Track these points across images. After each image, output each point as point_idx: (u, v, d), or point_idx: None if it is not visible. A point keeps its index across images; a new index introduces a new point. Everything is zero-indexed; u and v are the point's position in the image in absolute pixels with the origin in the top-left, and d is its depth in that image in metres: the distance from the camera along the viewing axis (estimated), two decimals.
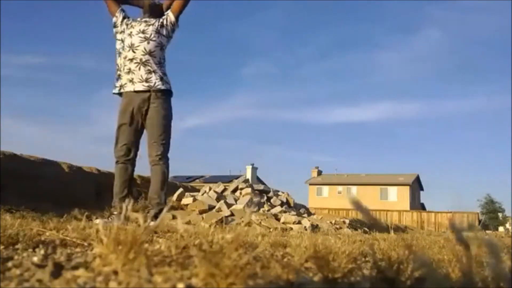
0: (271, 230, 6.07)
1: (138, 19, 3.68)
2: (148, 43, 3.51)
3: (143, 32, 3.54)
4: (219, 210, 8.09)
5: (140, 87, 3.46)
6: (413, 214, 31.77)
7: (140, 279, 0.92)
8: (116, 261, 1.01)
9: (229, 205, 8.32)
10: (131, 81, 3.48)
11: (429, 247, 2.66)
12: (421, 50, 62.43)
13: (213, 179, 22.40)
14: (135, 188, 6.92)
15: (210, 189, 9.45)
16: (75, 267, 1.06)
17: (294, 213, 9.09)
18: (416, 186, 44.35)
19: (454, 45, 62.16)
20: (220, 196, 8.98)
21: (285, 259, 1.56)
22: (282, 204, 9.65)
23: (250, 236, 2.28)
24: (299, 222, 8.01)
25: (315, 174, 46.63)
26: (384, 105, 65.26)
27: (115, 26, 3.67)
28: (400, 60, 63.30)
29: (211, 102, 69.47)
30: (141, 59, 3.48)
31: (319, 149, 70.45)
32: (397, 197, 40.80)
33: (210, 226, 5.07)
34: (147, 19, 3.64)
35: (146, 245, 1.14)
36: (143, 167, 3.55)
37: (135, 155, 3.54)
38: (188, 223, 6.80)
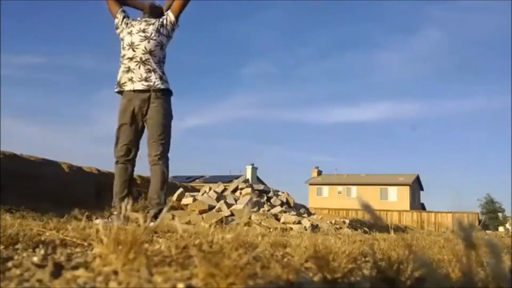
0: (271, 230, 6.08)
1: (138, 18, 3.69)
2: (149, 42, 3.51)
3: (144, 31, 3.54)
4: (219, 210, 8.09)
5: (139, 86, 3.46)
6: (413, 214, 31.78)
7: (140, 279, 0.92)
8: (116, 261, 1.01)
9: (229, 205, 8.32)
10: (131, 80, 3.48)
11: (429, 247, 2.66)
12: (421, 50, 62.47)
13: (213, 179, 22.40)
14: (135, 188, 6.92)
15: (210, 189, 9.45)
16: (75, 267, 1.06)
17: (294, 213, 9.09)
18: (416, 186, 44.35)
19: (454, 45, 62.21)
20: (220, 196, 8.98)
21: (285, 259, 1.56)
22: (282, 204, 9.65)
23: (250, 236, 2.28)
24: (299, 222, 8.01)
25: (315, 174, 46.63)
26: (384, 105, 65.31)
27: (117, 28, 3.68)
28: (400, 60, 63.34)
29: (211, 102, 69.50)
30: (141, 58, 3.48)
31: (319, 149, 70.52)
32: (397, 197, 40.80)
33: (210, 226, 5.08)
34: (147, 18, 3.64)
35: (146, 245, 1.14)
36: (143, 167, 3.56)
37: (135, 155, 3.54)
38: (188, 223, 6.80)
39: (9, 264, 1.06)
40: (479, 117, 64.59)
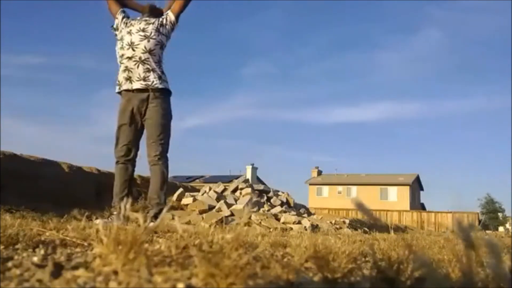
0: (271, 230, 6.08)
1: (138, 18, 3.68)
2: (148, 41, 3.51)
3: (143, 30, 3.54)
4: (219, 210, 8.09)
5: (138, 85, 3.46)
6: (413, 214, 31.78)
7: (140, 279, 0.92)
8: (116, 261, 1.01)
9: (229, 205, 8.32)
10: (129, 79, 3.48)
11: (429, 247, 2.66)
12: (421, 50, 62.49)
13: (213, 179, 22.40)
14: (135, 188, 6.92)
15: (210, 189, 9.45)
16: (75, 267, 1.06)
17: (294, 213, 9.09)
18: (416, 186, 44.35)
19: (454, 45, 62.21)
20: (220, 196, 8.98)
21: (285, 259, 1.56)
22: (282, 204, 9.65)
23: (250, 236, 2.28)
24: (299, 222, 8.01)
25: (315, 174, 46.63)
26: (384, 105, 65.31)
27: (116, 29, 3.68)
28: (400, 60, 63.36)
29: (211, 102, 69.52)
30: (140, 57, 3.47)
31: (319, 149, 70.50)
32: (397, 197, 40.80)
33: (210, 226, 5.08)
34: (147, 18, 3.64)
35: (146, 245, 1.14)
36: (144, 167, 3.55)
37: (135, 155, 3.53)
38: (188, 223, 6.81)
39: (9, 264, 1.06)
40: (479, 117, 64.65)
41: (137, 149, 3.54)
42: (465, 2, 60.69)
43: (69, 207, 5.55)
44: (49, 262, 1.08)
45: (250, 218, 7.45)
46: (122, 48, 3.53)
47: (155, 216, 3.18)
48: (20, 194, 6.83)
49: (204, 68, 67.53)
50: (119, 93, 3.58)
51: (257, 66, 65.79)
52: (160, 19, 3.61)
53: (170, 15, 3.62)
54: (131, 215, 1.14)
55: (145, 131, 3.53)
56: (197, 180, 27.80)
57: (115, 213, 3.37)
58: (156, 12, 3.70)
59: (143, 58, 3.47)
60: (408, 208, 37.07)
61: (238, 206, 8.36)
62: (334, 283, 1.11)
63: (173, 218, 6.89)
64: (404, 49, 62.90)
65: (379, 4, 62.35)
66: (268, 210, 8.75)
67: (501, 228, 33.73)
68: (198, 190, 10.42)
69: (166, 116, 3.53)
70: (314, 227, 7.72)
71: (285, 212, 8.86)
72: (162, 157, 3.46)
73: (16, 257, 1.17)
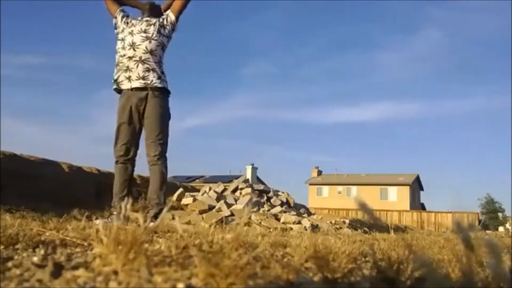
0: (271, 230, 6.08)
1: (139, 18, 3.68)
2: (150, 42, 3.51)
3: (145, 31, 3.54)
4: (219, 210, 8.09)
5: (137, 84, 3.46)
6: (413, 214, 31.78)
7: (140, 279, 0.92)
8: (116, 261, 1.01)
9: (229, 205, 8.32)
10: (129, 78, 3.48)
11: (429, 247, 2.66)
12: (421, 50, 62.46)
13: (213, 179, 22.40)
14: (135, 188, 6.92)
15: (210, 189, 9.45)
16: (75, 267, 1.06)
17: (294, 213, 9.09)
18: (416, 186, 44.35)
19: (454, 45, 62.19)
20: (220, 196, 8.98)
21: (285, 259, 1.56)
22: (282, 204, 9.65)
23: (250, 236, 2.28)
24: (299, 222, 8.01)
25: (315, 174, 46.63)
26: (384, 105, 65.30)
27: (116, 27, 3.68)
28: (400, 60, 63.33)
29: (211, 102, 69.51)
30: (140, 57, 3.48)
31: (319, 149, 70.49)
32: (397, 197, 40.79)
33: (210, 226, 5.08)
34: (148, 18, 3.64)
35: (146, 245, 1.14)
36: (144, 167, 3.55)
37: (135, 154, 3.53)
38: (188, 223, 6.81)
39: (9, 264, 1.06)
40: (479, 117, 64.64)
41: (137, 148, 3.54)
42: (465, 2, 60.72)
43: (69, 207, 5.55)
44: (49, 262, 1.08)
45: (250, 218, 7.45)
46: (123, 48, 3.53)
47: (155, 216, 3.18)
48: (20, 194, 6.83)
49: (204, 68, 67.58)
50: (117, 90, 3.57)
51: (257, 66, 65.84)
52: (161, 20, 3.61)
53: (171, 16, 3.62)
54: (131, 215, 1.14)
55: (143, 130, 3.52)
56: (197, 180, 27.80)
57: (115, 213, 3.37)
58: (156, 11, 3.69)
59: (143, 58, 3.48)
60: (408, 208, 37.07)
61: (238, 206, 8.36)
62: (334, 283, 1.11)
63: (173, 218, 6.89)
64: (404, 49, 62.94)
65: (379, 4, 62.39)
66: (268, 210, 8.75)
67: (501, 228, 33.73)
68: (198, 190, 10.42)
69: (165, 116, 3.53)
70: (314, 227, 7.72)
71: (285, 212, 8.86)
72: (162, 157, 3.46)
73: (16, 257, 1.17)
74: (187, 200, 8.80)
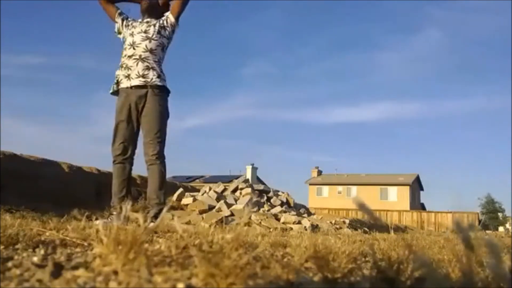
0: (271, 230, 6.08)
1: (139, 20, 3.68)
2: (150, 41, 3.52)
3: (145, 32, 3.55)
4: (219, 210, 8.09)
5: (136, 82, 3.45)
6: (413, 214, 31.78)
7: (140, 279, 0.92)
8: (116, 261, 1.01)
9: (229, 205, 8.32)
10: (128, 77, 3.47)
11: (429, 247, 2.66)
12: (421, 50, 62.48)
13: (213, 179, 22.39)
14: (135, 188, 6.92)
15: (210, 189, 9.45)
16: (75, 267, 1.06)
17: (294, 213, 9.09)
18: (416, 186, 44.34)
19: (454, 45, 62.22)
20: (220, 196, 8.98)
21: (285, 259, 1.56)
22: (282, 204, 9.65)
23: (250, 236, 2.28)
24: (299, 222, 8.01)
25: (315, 174, 46.62)
26: (384, 105, 65.32)
27: (119, 32, 3.68)
28: (400, 60, 63.35)
29: (211, 102, 69.50)
30: (140, 55, 3.48)
31: (319, 149, 70.50)
32: (397, 197, 40.79)
33: (210, 226, 5.08)
34: (148, 19, 3.64)
35: (146, 245, 1.14)
36: (144, 166, 3.53)
37: (133, 153, 3.51)
38: (188, 223, 6.81)
39: (9, 264, 1.06)
40: (479, 117, 64.67)
41: (135, 147, 3.52)
42: (465, 2, 60.73)
43: (69, 207, 5.54)
44: (49, 262, 1.08)
45: (250, 218, 7.45)
46: (124, 48, 3.55)
47: (155, 216, 3.18)
48: (20, 194, 6.83)
49: (204, 68, 67.56)
50: (115, 93, 3.57)
51: (257, 66, 65.85)
52: (161, 21, 3.61)
53: (170, 18, 3.62)
54: (131, 215, 1.14)
55: (141, 129, 3.51)
56: (197, 180, 27.79)
57: (114, 213, 3.37)
58: (156, 11, 3.67)
59: (143, 56, 3.48)
60: (408, 208, 37.07)
61: (238, 206, 8.35)
62: (334, 283, 1.11)
63: (173, 218, 6.88)
64: (404, 49, 62.95)
65: (379, 4, 62.40)
66: (268, 210, 8.75)
67: (501, 228, 33.74)
68: (198, 190, 10.42)
69: (164, 114, 3.51)
70: (314, 227, 7.72)
71: (285, 212, 8.86)
72: (160, 156, 3.43)
73: (16, 257, 1.17)
74: (187, 200, 8.80)
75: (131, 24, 3.65)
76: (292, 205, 10.26)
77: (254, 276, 0.98)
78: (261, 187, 10.83)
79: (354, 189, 42.36)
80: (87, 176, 9.80)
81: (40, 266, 1.05)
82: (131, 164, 3.52)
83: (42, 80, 60.99)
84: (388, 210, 31.53)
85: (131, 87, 3.46)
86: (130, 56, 3.49)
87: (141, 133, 3.51)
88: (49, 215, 4.08)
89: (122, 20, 3.68)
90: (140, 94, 3.44)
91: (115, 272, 0.98)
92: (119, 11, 3.72)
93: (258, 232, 3.50)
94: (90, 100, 64.49)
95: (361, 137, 67.17)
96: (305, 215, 9.84)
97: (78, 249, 1.39)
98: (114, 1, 3.75)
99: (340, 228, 9.04)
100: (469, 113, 62.58)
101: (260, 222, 7.32)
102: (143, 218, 1.08)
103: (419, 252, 1.10)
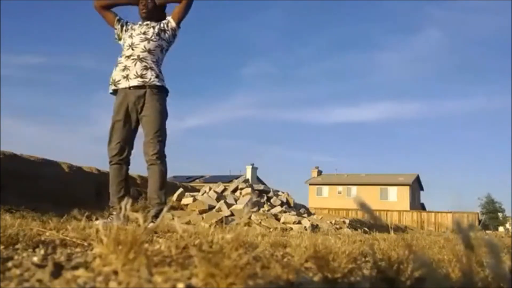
0: (271, 230, 6.08)
1: (139, 23, 3.68)
2: (149, 42, 3.51)
3: (144, 33, 3.55)
4: (219, 210, 8.09)
5: (135, 82, 3.43)
6: (413, 214, 31.78)
7: (140, 279, 0.92)
8: (116, 261, 1.01)
9: (229, 205, 8.32)
10: (126, 77, 3.46)
11: (429, 247, 2.66)
12: (421, 50, 62.49)
13: (213, 179, 22.40)
14: (135, 188, 6.92)
15: (210, 189, 9.45)
16: (75, 267, 1.06)
17: (294, 213, 9.09)
18: (416, 186, 44.34)
19: (454, 45, 62.22)
20: (220, 196, 8.98)
21: (285, 259, 1.56)
22: (282, 204, 9.65)
23: (250, 236, 2.28)
24: (299, 222, 8.01)
25: (315, 174, 46.62)
26: (384, 105, 65.34)
27: (120, 38, 3.67)
28: (400, 60, 63.36)
29: (211, 102, 69.50)
30: (138, 55, 3.47)
31: (319, 149, 70.51)
32: (397, 197, 40.79)
33: (210, 226, 5.08)
34: (148, 22, 3.64)
35: (146, 245, 1.14)
36: (144, 166, 3.52)
37: (129, 153, 3.50)
38: (188, 223, 6.81)
39: (9, 264, 1.06)
40: (479, 117, 64.69)
41: (131, 147, 3.50)
42: (465, 2, 60.74)
43: (69, 207, 5.54)
44: (49, 262, 1.08)
45: (250, 218, 7.45)
46: (123, 50, 3.54)
47: (155, 216, 3.17)
48: (20, 194, 6.83)
49: (204, 68, 67.60)
50: (114, 93, 3.56)
51: (257, 66, 65.86)
52: (162, 24, 3.60)
53: (172, 23, 3.60)
54: (131, 215, 1.14)
55: (140, 129, 3.50)
56: (197, 180, 27.80)
57: (114, 213, 3.36)
58: (156, 14, 3.65)
59: (141, 56, 3.47)
60: (408, 208, 37.07)
61: (238, 206, 8.36)
62: (334, 283, 1.11)
63: (173, 218, 6.89)
64: (404, 49, 62.96)
65: (379, 4, 62.41)
66: (268, 210, 8.75)
67: (501, 228, 33.74)
68: (198, 190, 10.42)
69: (163, 114, 3.49)
70: (314, 227, 7.72)
71: (285, 212, 8.86)
72: (161, 156, 3.42)
73: (16, 257, 1.17)
74: (187, 200, 8.80)
75: (131, 27, 3.64)
76: (292, 205, 10.26)
77: (254, 276, 0.98)
78: (261, 187, 10.83)
79: (354, 189, 42.36)
80: (87, 176, 9.80)
81: (40, 266, 1.05)
82: (128, 164, 3.49)
83: (42, 80, 61.08)
84: (388, 210, 31.53)
85: (130, 87, 3.45)
86: (128, 57, 3.48)
87: (141, 133, 3.51)
88: (49, 215, 4.08)
89: (122, 26, 3.67)
90: (139, 94, 3.43)
91: (115, 272, 0.98)
92: (117, 17, 3.70)
93: (258, 232, 3.50)
94: (90, 100, 64.47)
95: (361, 137, 67.24)
96: (305, 215, 9.84)
97: (78, 249, 1.39)
98: (111, 6, 3.73)
99: (340, 228, 9.04)
100: (469, 113, 62.68)
101: (260, 222, 7.32)
102: (143, 218, 1.08)
103: (419, 252, 1.10)
